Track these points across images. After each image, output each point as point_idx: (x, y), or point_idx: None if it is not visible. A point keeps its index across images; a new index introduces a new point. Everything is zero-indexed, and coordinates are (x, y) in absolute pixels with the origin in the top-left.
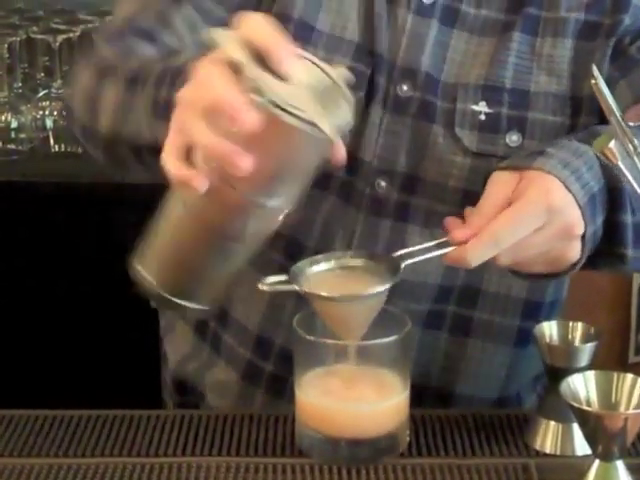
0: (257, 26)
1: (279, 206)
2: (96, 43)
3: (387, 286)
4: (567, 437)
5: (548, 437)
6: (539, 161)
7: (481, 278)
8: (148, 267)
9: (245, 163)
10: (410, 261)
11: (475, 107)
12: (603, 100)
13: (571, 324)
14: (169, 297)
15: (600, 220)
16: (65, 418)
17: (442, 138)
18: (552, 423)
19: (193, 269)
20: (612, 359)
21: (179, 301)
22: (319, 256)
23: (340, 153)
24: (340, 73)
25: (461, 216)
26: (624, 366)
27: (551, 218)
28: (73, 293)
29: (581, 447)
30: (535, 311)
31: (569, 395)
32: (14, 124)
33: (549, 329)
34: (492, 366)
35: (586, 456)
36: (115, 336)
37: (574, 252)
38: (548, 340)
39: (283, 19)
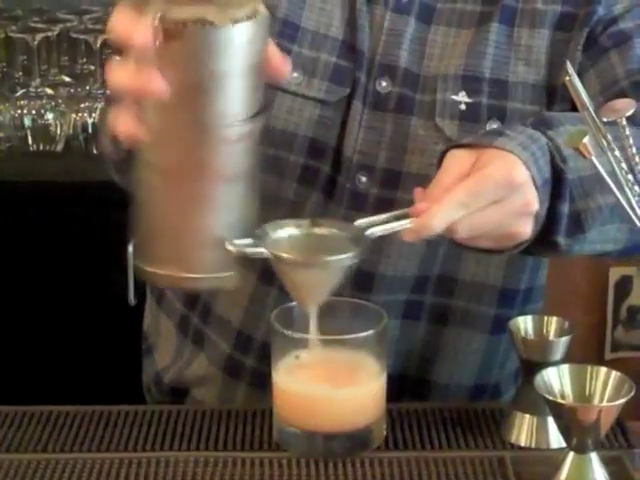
0: None
1: (226, 122)
2: None
3: (353, 254)
4: (542, 430)
5: (523, 430)
6: (500, 141)
7: (457, 267)
8: (157, 261)
9: (156, 82)
10: (373, 231)
11: (455, 97)
12: (577, 96)
13: (546, 318)
14: (202, 276)
15: (545, 206)
16: (44, 414)
17: (423, 130)
18: (527, 416)
19: (199, 234)
20: (588, 356)
21: (208, 275)
22: (285, 220)
23: (279, 61)
24: None
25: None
26: (600, 363)
27: (511, 193)
28: (53, 291)
29: (556, 440)
30: (510, 299)
31: (544, 388)
32: None
33: (524, 323)
34: (468, 353)
35: (561, 449)
36: (95, 332)
37: (527, 230)
38: (523, 334)
39: None
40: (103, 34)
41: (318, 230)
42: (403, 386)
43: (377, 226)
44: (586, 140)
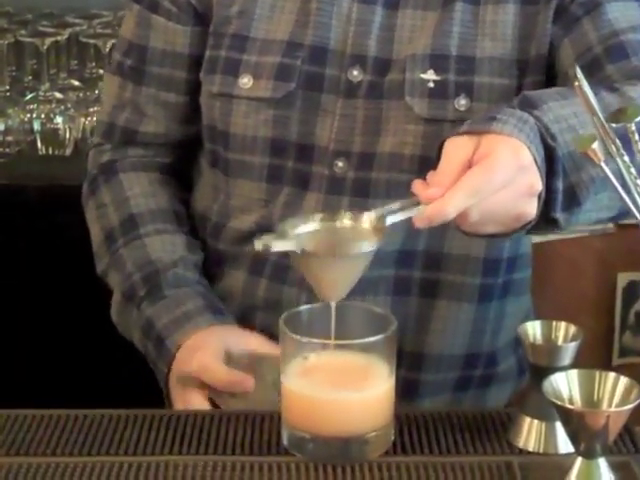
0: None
1: None
2: (93, 159)
3: (377, 245)
4: (550, 435)
5: (531, 435)
6: (496, 125)
7: (442, 241)
8: None
9: (248, 383)
10: (390, 219)
11: (424, 75)
12: (586, 102)
13: (554, 324)
14: None
15: (544, 184)
16: (54, 417)
17: (394, 110)
18: (535, 421)
19: None
20: (596, 362)
21: None
22: (301, 217)
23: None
24: None
25: (424, 180)
26: (608, 368)
27: (518, 176)
28: (63, 295)
29: (564, 445)
30: (494, 268)
31: (552, 393)
32: (1, 127)
33: (533, 329)
34: (457, 323)
35: (569, 454)
36: (109, 335)
37: (533, 210)
38: (532, 339)
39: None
40: (112, 38)
41: (337, 223)
42: (398, 361)
43: (391, 214)
44: (595, 145)
